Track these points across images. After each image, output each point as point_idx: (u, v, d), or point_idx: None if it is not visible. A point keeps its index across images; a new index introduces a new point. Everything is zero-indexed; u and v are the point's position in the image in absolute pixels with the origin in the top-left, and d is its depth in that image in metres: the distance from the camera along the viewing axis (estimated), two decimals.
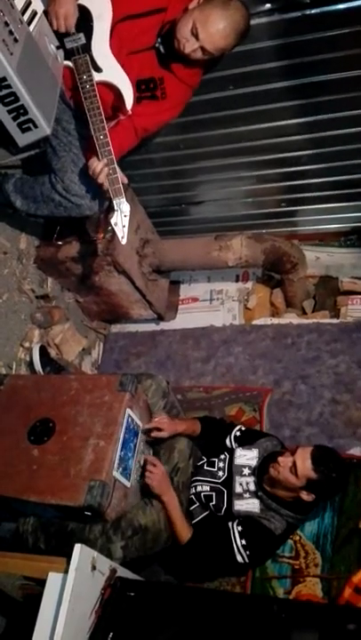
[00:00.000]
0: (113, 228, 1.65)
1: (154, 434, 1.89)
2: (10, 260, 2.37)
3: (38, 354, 2.40)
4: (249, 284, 2.98)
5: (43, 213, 1.99)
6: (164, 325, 3.00)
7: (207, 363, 2.73)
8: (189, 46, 1.59)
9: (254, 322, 2.82)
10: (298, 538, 2.12)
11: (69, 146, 1.79)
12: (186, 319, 3.01)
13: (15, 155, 1.93)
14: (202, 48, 1.60)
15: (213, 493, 1.94)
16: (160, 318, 2.93)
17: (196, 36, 1.57)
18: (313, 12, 1.74)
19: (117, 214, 1.63)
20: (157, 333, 2.96)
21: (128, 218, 1.64)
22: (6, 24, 1.23)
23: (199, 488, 1.97)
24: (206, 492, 1.95)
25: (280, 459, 1.81)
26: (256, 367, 2.60)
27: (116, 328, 3.10)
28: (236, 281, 3.02)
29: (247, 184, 2.49)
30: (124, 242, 1.67)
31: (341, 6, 1.71)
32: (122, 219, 1.63)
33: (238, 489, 1.91)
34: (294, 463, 1.76)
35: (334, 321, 2.65)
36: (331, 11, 1.73)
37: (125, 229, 1.64)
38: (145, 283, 2.67)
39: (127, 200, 1.64)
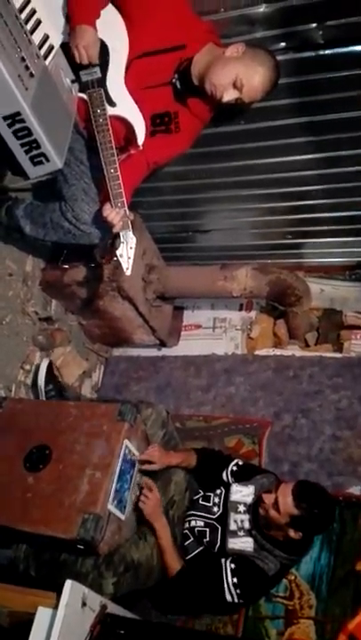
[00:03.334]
0: (119, 260, 1.66)
1: (145, 466, 1.87)
2: (15, 282, 2.38)
3: (45, 369, 2.39)
4: (252, 314, 2.98)
5: (51, 239, 2.00)
6: (165, 351, 2.99)
7: (208, 391, 2.72)
8: (228, 95, 1.62)
9: (257, 352, 2.81)
10: (293, 577, 2.09)
11: (81, 175, 1.81)
12: (188, 346, 2.99)
13: (26, 179, 1.94)
14: (239, 98, 1.64)
15: (207, 529, 1.91)
16: (162, 344, 2.92)
17: (240, 89, 1.61)
18: (327, 52, 1.75)
19: (123, 246, 1.64)
20: (159, 359, 2.95)
21: (134, 250, 1.65)
22: (23, 59, 1.25)
23: (193, 523, 1.94)
24: (200, 527, 1.92)
25: (264, 496, 1.79)
26: (257, 399, 2.59)
27: (117, 352, 3.09)
28: (240, 310, 3.01)
29: (254, 215, 2.49)
30: (128, 273, 1.68)
31: (357, 48, 1.73)
32: (127, 250, 1.65)
33: (233, 526, 1.88)
34: (276, 500, 1.74)
35: (337, 355, 2.63)
36: (345, 52, 1.75)
37: (130, 261, 1.65)
38: (148, 309, 2.67)
39: (134, 230, 1.65)
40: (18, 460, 1.80)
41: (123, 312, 2.64)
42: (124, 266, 1.66)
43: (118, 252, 1.65)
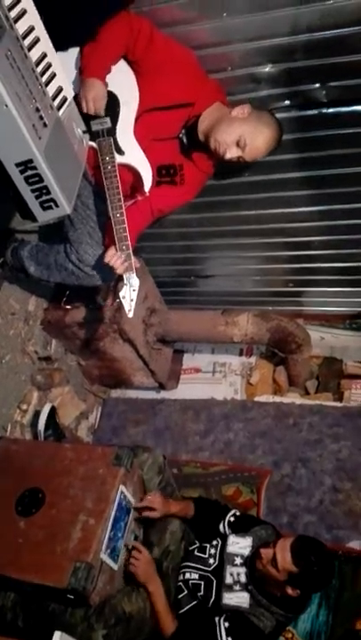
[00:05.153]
0: (121, 302, 1.67)
1: (145, 513, 1.83)
2: (17, 321, 2.39)
3: (47, 413, 2.37)
4: (252, 359, 2.98)
5: (55, 280, 2.03)
6: (164, 394, 2.98)
7: (206, 437, 2.69)
8: (230, 153, 1.68)
9: (256, 398, 2.80)
10: (290, 635, 2.01)
11: (87, 219, 1.85)
12: (187, 389, 2.98)
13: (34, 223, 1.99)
14: (240, 156, 1.69)
15: (202, 582, 1.84)
16: (161, 387, 2.91)
17: (243, 148, 1.67)
18: (330, 110, 1.82)
19: (126, 288, 1.66)
20: (157, 402, 2.94)
21: (136, 292, 1.67)
22: (37, 109, 1.29)
23: (188, 575, 1.87)
24: (195, 580, 1.86)
25: (262, 550, 1.73)
26: (256, 446, 2.56)
27: (115, 393, 3.08)
28: (240, 355, 3.02)
29: (256, 263, 2.53)
30: (130, 315, 1.69)
31: (358, 108, 1.79)
32: (130, 292, 1.66)
33: (229, 579, 1.81)
34: (274, 556, 1.67)
35: (338, 404, 2.62)
36: (347, 111, 1.81)
37: (133, 303, 1.66)
38: (149, 351, 2.67)
39: (137, 274, 1.67)
40: (10, 504, 1.76)
41: (123, 354, 2.65)
42: (127, 308, 1.67)
43: (121, 295, 1.66)
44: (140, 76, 1.64)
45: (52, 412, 2.40)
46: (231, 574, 1.82)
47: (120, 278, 1.68)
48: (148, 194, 1.72)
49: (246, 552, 1.85)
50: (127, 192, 1.74)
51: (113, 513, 1.69)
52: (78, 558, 1.57)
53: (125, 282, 1.66)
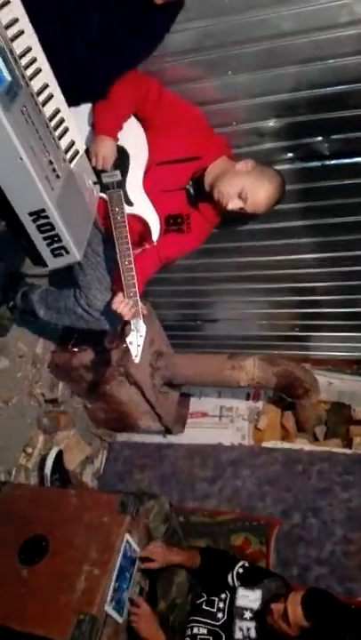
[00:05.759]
0: (128, 347, 1.69)
1: (145, 564, 1.78)
2: (25, 363, 2.41)
3: (54, 457, 2.35)
4: (260, 404, 2.95)
5: (64, 324, 2.07)
6: (171, 438, 2.95)
7: (213, 484, 2.64)
8: (232, 204, 1.74)
9: (264, 444, 2.76)
10: None
11: (97, 266, 1.89)
12: (193, 434, 2.95)
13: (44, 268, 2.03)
14: (242, 208, 1.75)
15: (211, 637, 1.78)
16: (168, 431, 2.88)
17: (244, 200, 1.73)
18: (332, 162, 1.87)
19: (134, 334, 1.67)
20: (164, 447, 2.90)
21: (143, 338, 1.68)
22: (50, 162, 1.35)
23: (195, 630, 1.80)
24: (203, 635, 1.79)
25: (273, 605, 1.67)
26: (264, 494, 2.50)
27: (122, 437, 3.05)
28: (247, 399, 2.99)
29: (262, 307, 2.55)
30: (137, 361, 1.70)
31: (359, 159, 1.85)
32: (137, 338, 1.68)
33: (238, 634, 1.75)
34: (285, 610, 1.62)
35: (347, 451, 2.57)
36: (348, 163, 1.86)
37: (140, 349, 1.68)
38: (155, 395, 2.66)
39: (144, 318, 1.69)
40: (13, 552, 1.73)
41: (129, 397, 2.64)
42: (134, 353, 1.68)
43: (128, 340, 1.68)
44: (149, 131, 1.71)
45: (59, 455, 2.38)
46: (241, 629, 1.76)
47: (127, 323, 1.70)
48: (155, 243, 1.77)
49: (256, 606, 1.79)
50: (136, 240, 1.79)
51: (118, 563, 1.65)
52: (82, 610, 1.52)
53: (133, 327, 1.68)
